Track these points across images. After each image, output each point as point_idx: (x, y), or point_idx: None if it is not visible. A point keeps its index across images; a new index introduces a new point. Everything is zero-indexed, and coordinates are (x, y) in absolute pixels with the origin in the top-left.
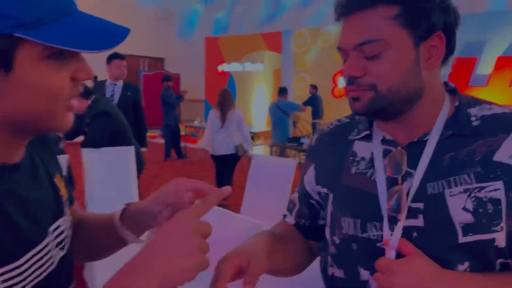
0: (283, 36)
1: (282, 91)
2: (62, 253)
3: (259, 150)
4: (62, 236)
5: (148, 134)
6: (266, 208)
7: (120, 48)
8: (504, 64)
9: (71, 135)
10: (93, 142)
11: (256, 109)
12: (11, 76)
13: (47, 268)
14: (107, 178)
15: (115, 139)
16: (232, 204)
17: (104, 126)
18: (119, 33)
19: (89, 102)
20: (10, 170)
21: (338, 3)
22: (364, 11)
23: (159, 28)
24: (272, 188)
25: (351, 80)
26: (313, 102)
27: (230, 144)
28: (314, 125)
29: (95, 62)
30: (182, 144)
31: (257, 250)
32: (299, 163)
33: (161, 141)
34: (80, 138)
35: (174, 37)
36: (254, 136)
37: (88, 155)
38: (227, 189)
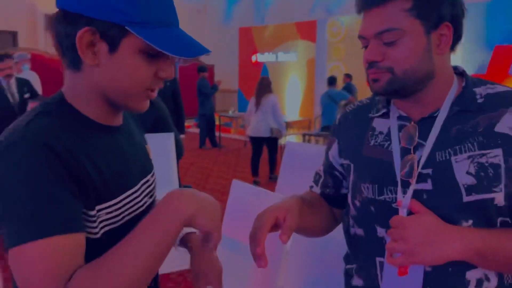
0: (318, 25)
1: (331, 81)
2: (149, 200)
3: (292, 139)
4: (150, 188)
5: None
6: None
7: None
8: None
9: None
10: None
11: (289, 99)
12: (114, 56)
13: (137, 209)
14: None
15: (157, 126)
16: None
17: (147, 113)
18: (200, 49)
19: None
20: (113, 130)
21: None
22: (383, 4)
23: (193, 19)
24: (305, 174)
25: (371, 64)
26: (347, 91)
27: (266, 127)
28: (325, 115)
29: None
30: (217, 133)
31: (292, 207)
32: None
33: (196, 130)
34: None
35: (208, 28)
36: (287, 125)
37: None
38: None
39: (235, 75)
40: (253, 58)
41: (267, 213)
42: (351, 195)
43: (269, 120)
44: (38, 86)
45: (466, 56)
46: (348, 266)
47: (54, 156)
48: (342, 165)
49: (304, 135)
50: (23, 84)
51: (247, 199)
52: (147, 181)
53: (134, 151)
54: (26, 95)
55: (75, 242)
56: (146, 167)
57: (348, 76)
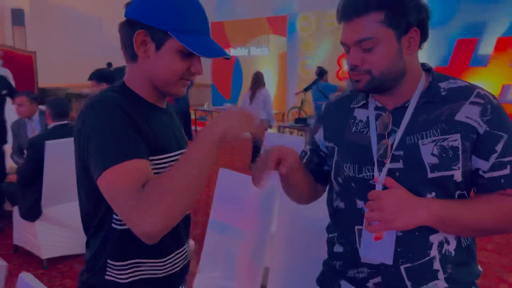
0: (289, 19)
1: (321, 74)
2: None
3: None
4: None
5: None
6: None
7: None
8: (504, 45)
9: None
10: None
11: None
12: (158, 53)
13: None
14: None
15: None
16: None
17: None
18: (221, 52)
19: (106, 86)
20: (159, 109)
21: (339, 10)
22: (360, 16)
23: None
24: None
25: (353, 68)
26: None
27: None
28: (318, 107)
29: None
30: (193, 127)
31: (294, 151)
32: None
33: None
34: None
35: None
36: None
37: None
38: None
39: (208, 69)
40: None
41: (273, 149)
42: (334, 173)
43: (260, 112)
44: (11, 82)
45: (430, 49)
46: (330, 235)
47: (123, 111)
48: (327, 147)
49: (279, 127)
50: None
51: (233, 186)
52: (182, 153)
53: (173, 127)
54: (4, 92)
55: (144, 164)
56: (182, 142)
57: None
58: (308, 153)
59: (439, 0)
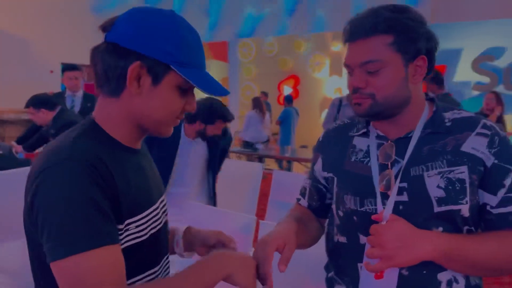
0: (229, 46)
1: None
2: (165, 218)
3: None
4: (165, 207)
5: None
6: (237, 206)
7: (75, 59)
8: None
9: (33, 145)
10: None
11: None
12: (155, 88)
13: (158, 224)
14: None
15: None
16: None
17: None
18: (223, 90)
19: (54, 113)
20: (136, 152)
21: (346, 30)
22: (367, 38)
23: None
24: (242, 189)
25: (355, 90)
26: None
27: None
28: None
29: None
30: None
31: (290, 236)
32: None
33: None
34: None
35: None
36: None
37: None
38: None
39: None
40: None
41: (269, 244)
42: (335, 206)
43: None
44: None
45: None
46: (330, 275)
47: (98, 174)
48: (325, 178)
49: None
50: None
51: (204, 219)
52: (163, 200)
53: (152, 172)
54: None
55: (119, 253)
56: (161, 187)
57: (265, 95)
58: (308, 189)
59: None
